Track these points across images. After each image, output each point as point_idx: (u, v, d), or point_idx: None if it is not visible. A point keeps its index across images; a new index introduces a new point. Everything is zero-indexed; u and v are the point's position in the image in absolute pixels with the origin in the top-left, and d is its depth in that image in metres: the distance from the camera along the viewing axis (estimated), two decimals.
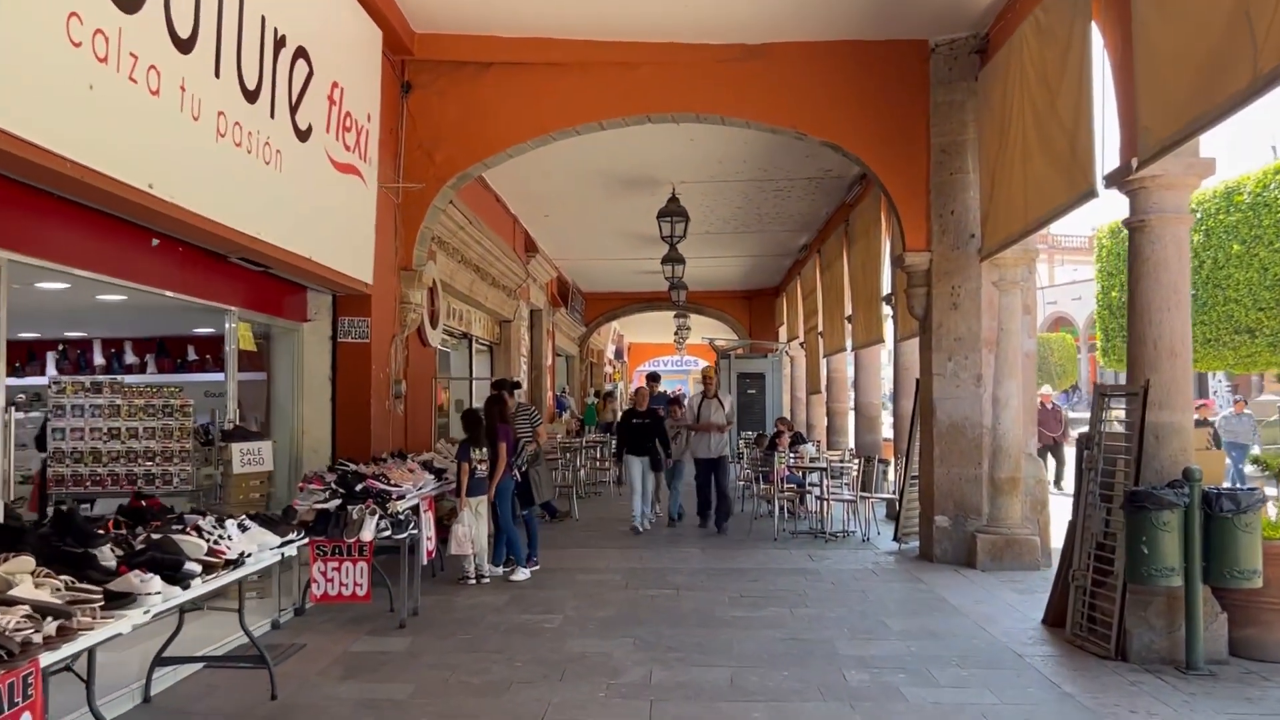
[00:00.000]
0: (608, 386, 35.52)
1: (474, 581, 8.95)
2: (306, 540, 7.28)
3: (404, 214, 10.74)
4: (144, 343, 11.49)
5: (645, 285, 25.32)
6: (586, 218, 17.54)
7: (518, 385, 10.38)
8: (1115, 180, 6.83)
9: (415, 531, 7.60)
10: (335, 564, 7.36)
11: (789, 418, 17.05)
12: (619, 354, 41.50)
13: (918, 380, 10.78)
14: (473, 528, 8.83)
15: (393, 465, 8.55)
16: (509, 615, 7.83)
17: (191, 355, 11.30)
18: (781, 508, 12.16)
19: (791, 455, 12.61)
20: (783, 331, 25.14)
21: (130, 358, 11.43)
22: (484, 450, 8.95)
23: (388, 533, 7.39)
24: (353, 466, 8.42)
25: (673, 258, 19.11)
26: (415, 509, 8.14)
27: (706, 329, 28.14)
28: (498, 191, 15.53)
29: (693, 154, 13.63)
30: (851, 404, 17.86)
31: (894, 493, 11.95)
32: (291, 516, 7.37)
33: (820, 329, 18.71)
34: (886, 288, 13.68)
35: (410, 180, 10.71)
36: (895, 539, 10.84)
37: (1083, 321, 41.42)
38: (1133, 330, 6.87)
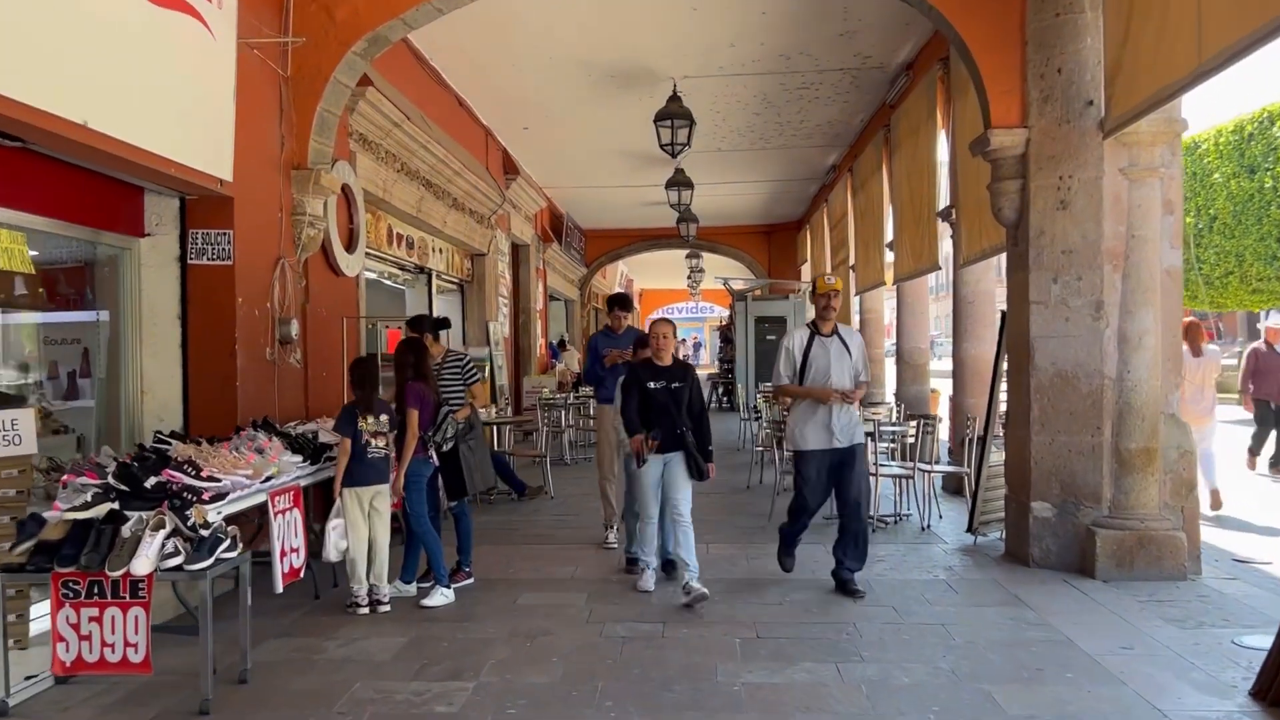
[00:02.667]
0: None
1: (365, 610, 5.96)
2: (48, 573, 4.36)
3: (294, 91, 7.65)
4: None
5: (651, 219, 22.14)
6: (574, 130, 14.36)
7: (444, 324, 7.29)
8: None
9: (231, 555, 4.60)
10: (94, 612, 4.41)
11: None
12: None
13: (1003, 313, 7.65)
14: (356, 532, 5.84)
15: (222, 448, 5.53)
16: (389, 683, 4.81)
17: None
18: None
19: None
20: (806, 270, 21.95)
21: None
22: (380, 419, 5.93)
23: (177, 560, 4.42)
24: (172, 447, 5.46)
25: (679, 181, 16.04)
26: (262, 512, 5.19)
27: (722, 269, 24.99)
28: (459, 92, 12.39)
29: (696, 33, 10.43)
30: (891, 349, 14.79)
31: (964, 464, 8.88)
32: (29, 533, 4.45)
33: (852, 262, 15.55)
34: (943, 199, 10.54)
35: (301, 52, 7.64)
36: (970, 529, 7.79)
37: None
38: None
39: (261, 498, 5.34)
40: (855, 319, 15.92)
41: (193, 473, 4.85)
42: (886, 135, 12.74)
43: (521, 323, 17.20)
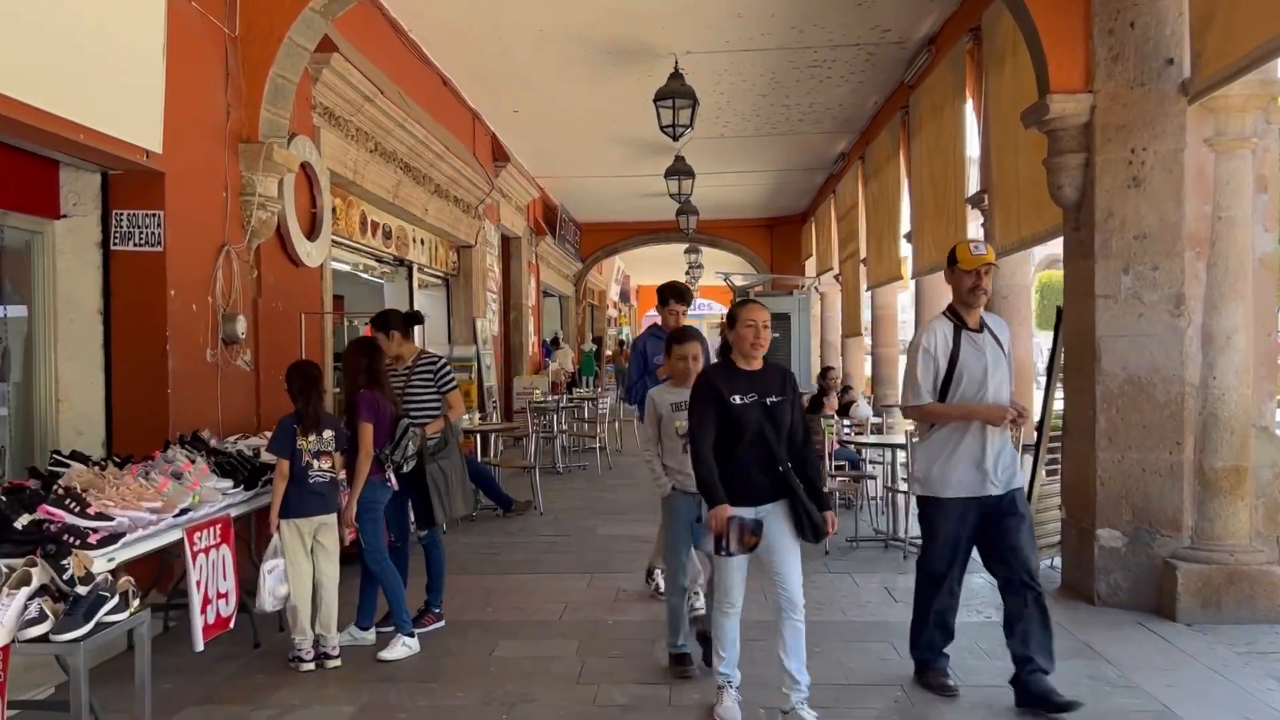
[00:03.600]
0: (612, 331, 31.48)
1: (311, 665, 4.89)
2: None
3: (243, 53, 6.59)
4: None
5: (649, 213, 21.09)
6: (568, 113, 13.30)
7: (415, 320, 6.17)
8: None
9: (119, 618, 3.56)
10: None
11: (835, 367, 12.74)
12: (625, 296, 37.30)
13: (1059, 309, 6.61)
14: (298, 572, 4.78)
15: (129, 474, 4.47)
16: None
17: None
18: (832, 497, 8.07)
19: (844, 423, 8.50)
20: (810, 265, 20.91)
21: None
22: (325, 435, 4.87)
23: (41, 627, 3.37)
24: (73, 470, 4.41)
25: (679, 169, 14.98)
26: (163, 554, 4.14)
27: (722, 264, 23.93)
28: (443, 70, 11.34)
29: (700, 2, 9.41)
30: (904, 347, 13.73)
31: None
32: None
33: (863, 255, 14.51)
34: (973, 185, 9.51)
35: (251, 8, 6.59)
36: None
37: None
38: None
39: (175, 535, 4.29)
40: (866, 316, 14.87)
41: (77, 509, 3.80)
42: (904, 118, 11.69)
43: (513, 320, 16.16)
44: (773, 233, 22.91)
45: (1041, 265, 38.13)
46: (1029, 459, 8.00)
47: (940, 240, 10.35)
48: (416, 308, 12.71)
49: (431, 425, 5.54)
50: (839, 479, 8.16)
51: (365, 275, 11.22)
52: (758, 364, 4.22)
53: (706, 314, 49.95)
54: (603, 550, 7.51)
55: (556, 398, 13.25)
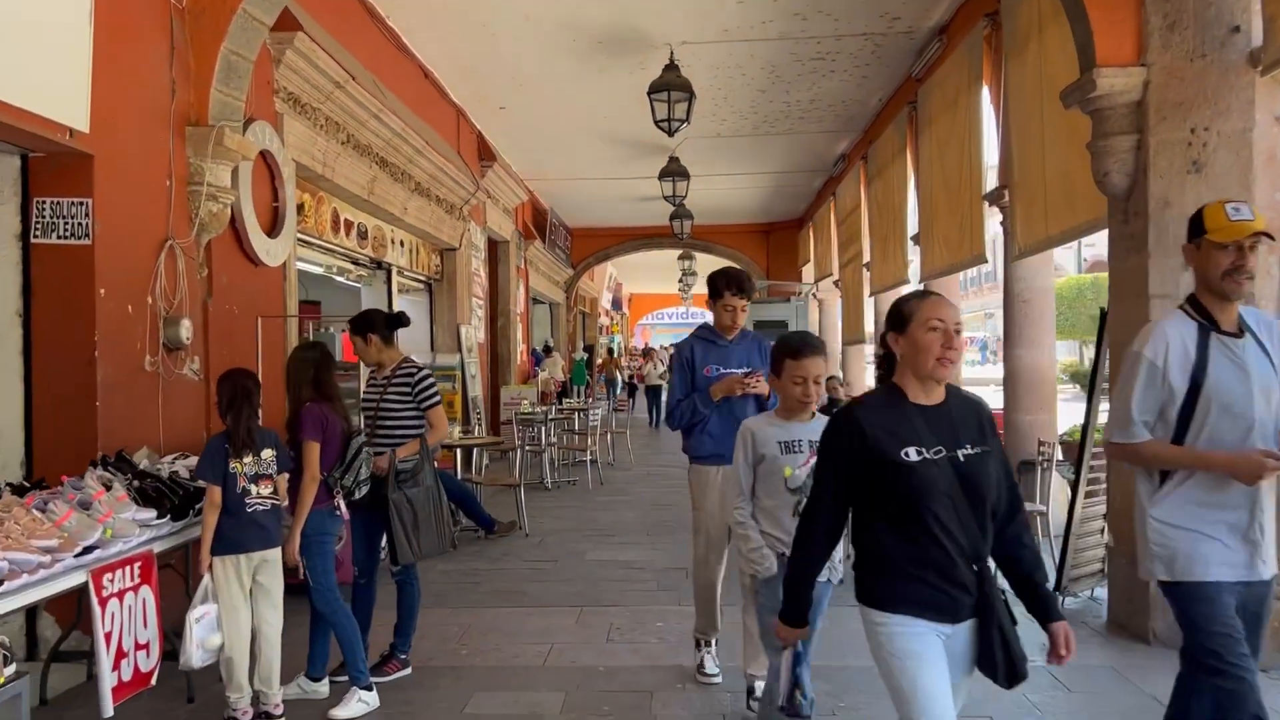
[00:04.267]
0: (604, 340, 30.77)
1: None
2: None
3: (191, 25, 5.86)
4: None
5: (642, 218, 20.42)
6: (557, 109, 12.59)
7: (400, 322, 5.33)
8: None
9: None
10: None
11: (838, 376, 11.94)
12: (617, 304, 36.58)
13: (1103, 310, 5.90)
14: (234, 618, 4.02)
15: (21, 506, 3.71)
16: None
17: None
18: None
19: None
20: (807, 271, 20.23)
21: None
22: (263, 456, 4.12)
23: None
24: None
25: (674, 171, 14.30)
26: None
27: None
28: (424, 62, 10.62)
29: None
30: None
31: (1034, 499, 7.11)
32: None
33: (866, 259, 13.82)
34: (990, 180, 8.82)
35: None
36: (1059, 588, 6.01)
37: None
38: None
39: (78, 579, 3.55)
40: (869, 324, 14.18)
41: None
42: (912, 113, 11.02)
43: (500, 327, 15.43)
44: (769, 238, 22.23)
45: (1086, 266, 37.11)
46: (1056, 477, 7.32)
47: (952, 240, 9.67)
48: (415, 317, 11.99)
49: (403, 448, 4.78)
50: None
51: (341, 279, 10.47)
52: (939, 395, 2.65)
53: (699, 322, 49.29)
54: (593, 579, 6.76)
55: (545, 409, 12.52)
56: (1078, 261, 29.63)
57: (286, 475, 4.18)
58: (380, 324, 5.03)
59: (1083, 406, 6.21)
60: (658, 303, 44.78)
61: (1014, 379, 8.38)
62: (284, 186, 7.02)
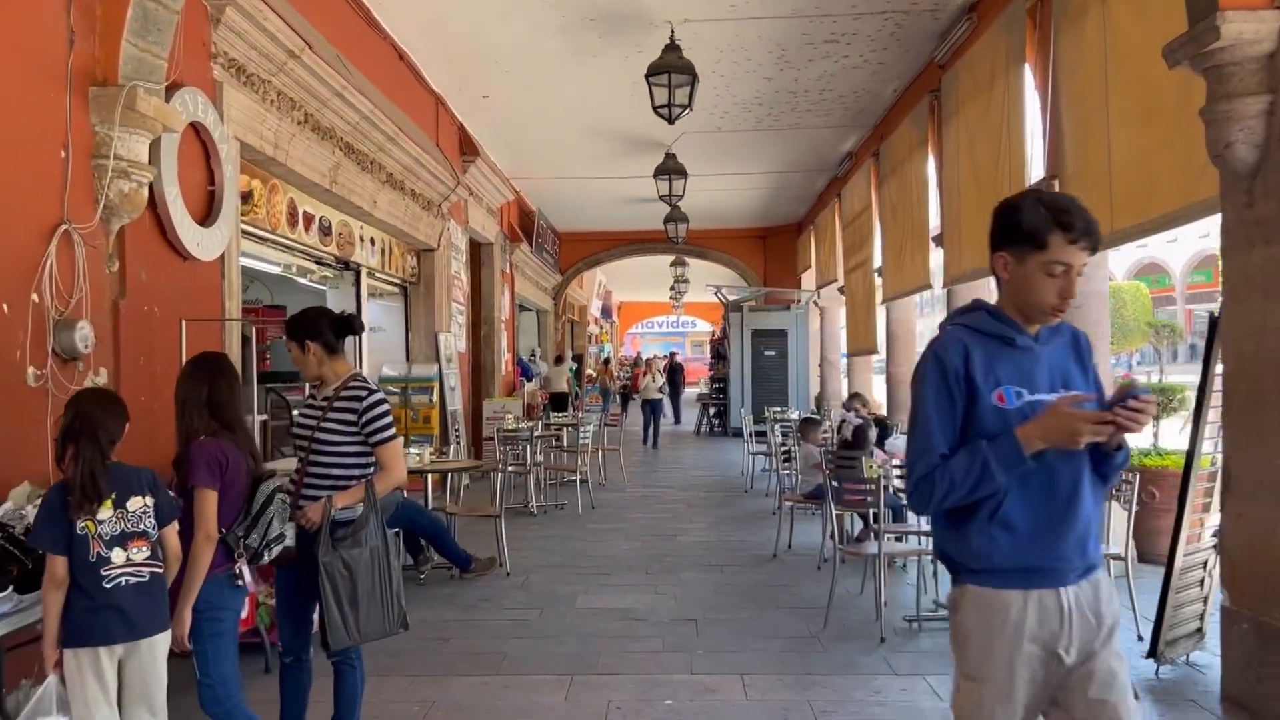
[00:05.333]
0: (592, 349, 29.70)
1: None
2: None
3: None
4: None
5: (634, 221, 19.37)
6: (545, 98, 11.49)
7: (348, 327, 3.93)
8: None
9: None
10: None
11: (862, 394, 10.69)
12: (606, 312, 35.47)
13: (1213, 316, 4.82)
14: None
15: None
16: None
17: None
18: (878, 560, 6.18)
19: (891, 461, 6.66)
20: (807, 278, 19.18)
21: None
22: (130, 505, 2.98)
23: None
24: None
25: (670, 168, 13.28)
26: None
27: (711, 278, 22.17)
28: (398, 41, 9.53)
29: None
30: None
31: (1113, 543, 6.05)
32: None
33: (877, 265, 12.77)
34: (1037, 171, 7.77)
35: None
36: (1152, 654, 4.93)
37: (1179, 269, 34.98)
38: None
39: None
40: (881, 335, 13.12)
41: None
42: (933, 102, 9.98)
43: (484, 335, 14.31)
44: (766, 244, 21.17)
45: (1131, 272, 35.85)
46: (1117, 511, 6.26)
47: (984, 240, 8.61)
48: (368, 321, 10.88)
49: (343, 495, 3.65)
50: (898, 537, 6.32)
51: (303, 280, 9.36)
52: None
53: (691, 332, 48.35)
54: (585, 635, 5.65)
55: (531, 424, 11.39)
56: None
57: (175, 528, 3.06)
58: (324, 328, 3.85)
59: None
60: (647, 311, 43.73)
61: None
62: (223, 167, 5.90)
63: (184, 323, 5.15)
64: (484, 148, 13.07)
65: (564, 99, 11.48)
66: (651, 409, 18.09)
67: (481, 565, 7.03)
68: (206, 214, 5.81)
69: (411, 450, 7.39)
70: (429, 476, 7.28)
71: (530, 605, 6.29)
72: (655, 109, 9.28)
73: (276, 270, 8.52)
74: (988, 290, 9.74)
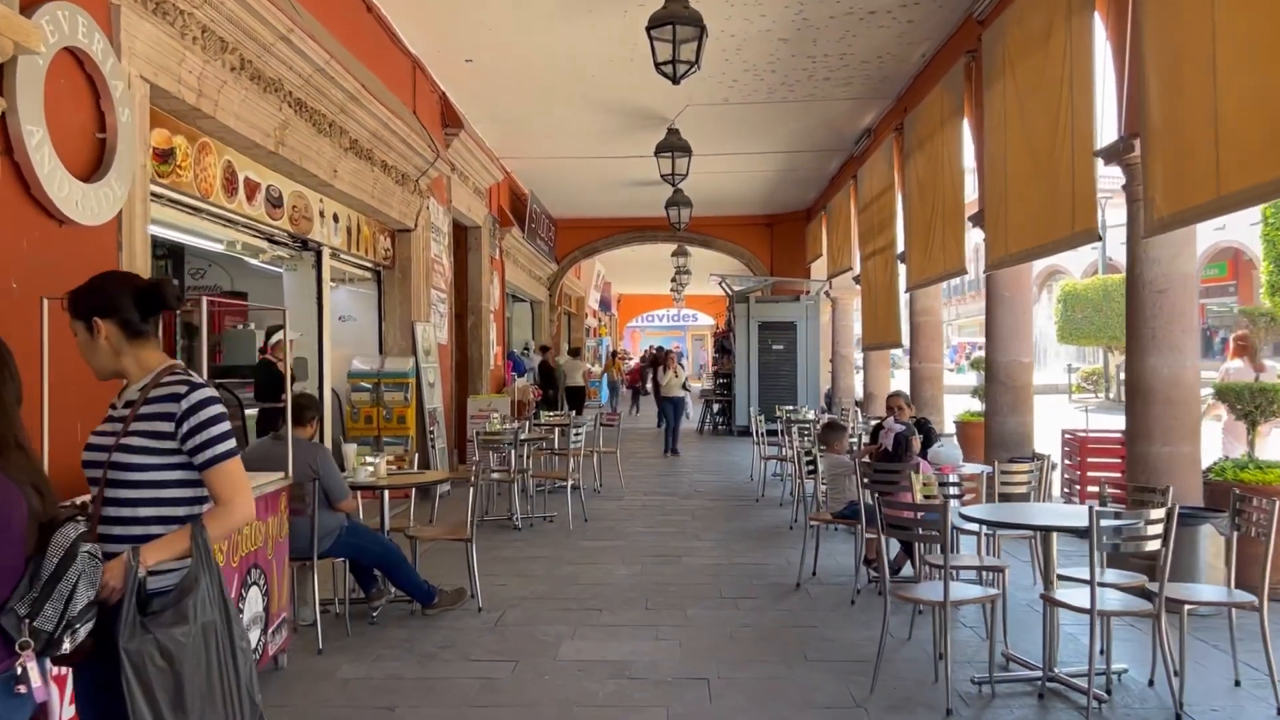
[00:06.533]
0: (592, 342, 28.51)
1: None
2: None
3: None
4: None
5: (634, 207, 18.16)
6: (533, 63, 10.24)
7: (162, 300, 2.51)
8: None
9: None
10: None
11: (904, 392, 9.14)
12: (605, 305, 34.20)
13: None
14: None
15: None
16: None
17: None
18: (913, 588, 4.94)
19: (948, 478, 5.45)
20: (818, 267, 17.95)
21: None
22: None
23: None
24: None
25: (673, 145, 12.11)
26: None
27: (715, 268, 20.91)
28: None
29: None
30: (949, 363, 10.74)
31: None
32: None
33: (900, 249, 11.55)
34: (1109, 132, 6.54)
35: None
36: None
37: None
38: None
39: None
40: (905, 325, 11.89)
41: None
42: (971, 64, 8.76)
43: (470, 326, 13.09)
44: (773, 231, 19.94)
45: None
46: (1210, 535, 5.05)
47: (1040, 216, 7.39)
48: (338, 310, 9.70)
49: (156, 547, 2.35)
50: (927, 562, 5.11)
51: (254, 261, 8.16)
52: None
53: (692, 325, 47.08)
54: (568, 701, 4.42)
55: (518, 424, 10.14)
56: (1102, 261, 27.42)
57: None
58: (121, 300, 2.50)
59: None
60: (648, 303, 42.49)
61: (1145, 397, 6.10)
62: (116, 111, 4.67)
63: (45, 301, 3.92)
64: (469, 120, 11.84)
65: (555, 63, 10.24)
66: (674, 408, 15.47)
67: (448, 599, 5.81)
68: (93, 168, 4.58)
69: (369, 461, 6.16)
70: (384, 495, 6.03)
71: (503, 655, 5.06)
72: (657, 66, 8.05)
73: (217, 248, 7.32)
74: (1028, 276, 8.47)
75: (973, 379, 13.98)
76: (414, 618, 5.73)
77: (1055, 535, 4.43)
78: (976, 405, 12.64)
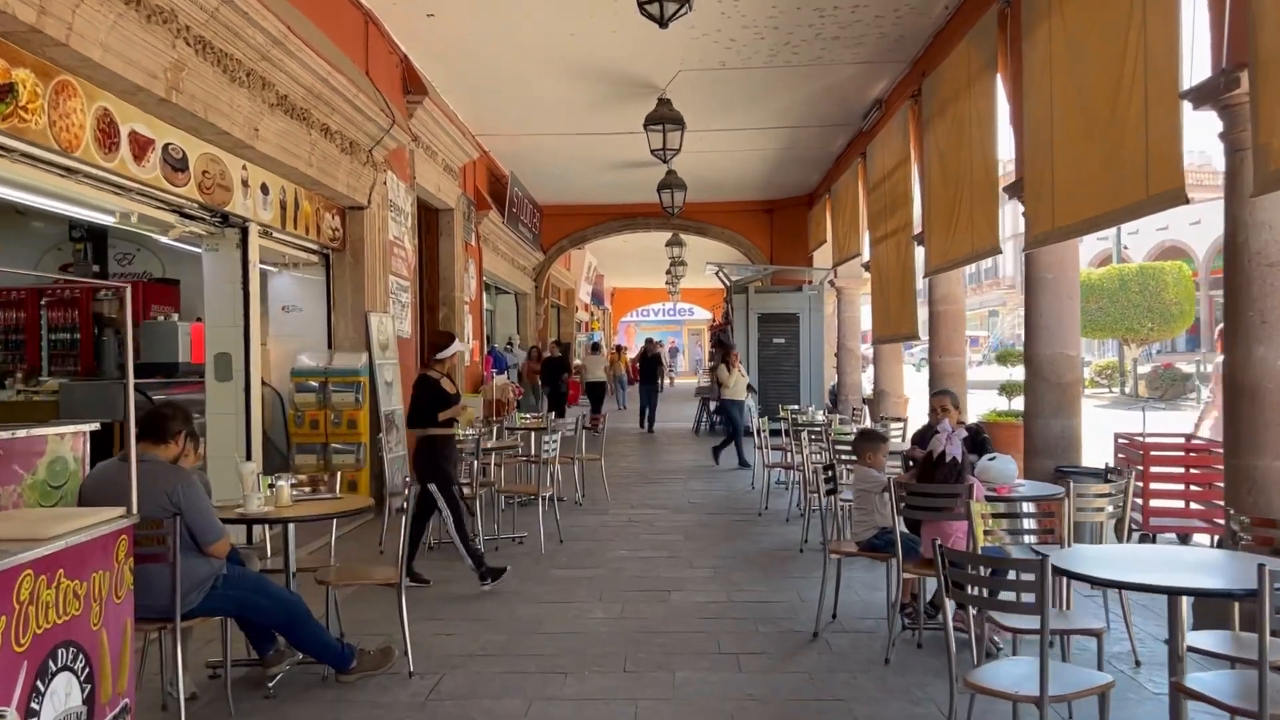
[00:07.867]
0: (592, 337, 27.22)
1: None
2: None
3: None
4: None
5: (624, 193, 16.86)
6: (504, 18, 8.87)
7: None
8: None
9: None
10: None
11: (952, 392, 7.58)
12: (598, 298, 32.83)
13: None
14: None
15: None
16: None
17: None
18: (980, 642, 3.63)
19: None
20: (822, 255, 16.62)
21: None
22: None
23: None
24: None
25: (665, 116, 10.87)
26: None
27: (712, 256, 19.58)
28: None
29: None
30: (977, 355, 9.43)
31: None
32: None
33: (918, 229, 10.24)
34: (1200, 68, 5.24)
35: None
36: None
37: (1203, 253, 32.12)
38: None
39: None
40: (923, 311, 10.58)
41: None
42: (1005, 11, 7.46)
43: (442, 318, 11.77)
44: (773, 218, 18.61)
45: (1152, 255, 32.19)
46: None
47: (1100, 180, 6.07)
48: (284, 300, 8.42)
49: None
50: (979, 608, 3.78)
51: (166, 239, 6.83)
52: None
53: (688, 320, 45.70)
54: None
55: (484, 429, 8.80)
56: (1117, 249, 26.10)
57: None
58: None
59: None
60: (643, 297, 41.14)
61: (1253, 397, 4.79)
62: None
63: None
64: (435, 88, 10.51)
65: (531, 21, 8.92)
66: (739, 414, 12.47)
67: (369, 661, 4.50)
68: None
69: (277, 483, 4.81)
70: (289, 531, 4.68)
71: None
72: (641, 7, 6.75)
73: (107, 220, 6.00)
74: (1076, 251, 7.12)
75: (993, 373, 12.65)
76: (325, 686, 4.41)
77: (1186, 600, 3.12)
78: (1003, 403, 11.36)
